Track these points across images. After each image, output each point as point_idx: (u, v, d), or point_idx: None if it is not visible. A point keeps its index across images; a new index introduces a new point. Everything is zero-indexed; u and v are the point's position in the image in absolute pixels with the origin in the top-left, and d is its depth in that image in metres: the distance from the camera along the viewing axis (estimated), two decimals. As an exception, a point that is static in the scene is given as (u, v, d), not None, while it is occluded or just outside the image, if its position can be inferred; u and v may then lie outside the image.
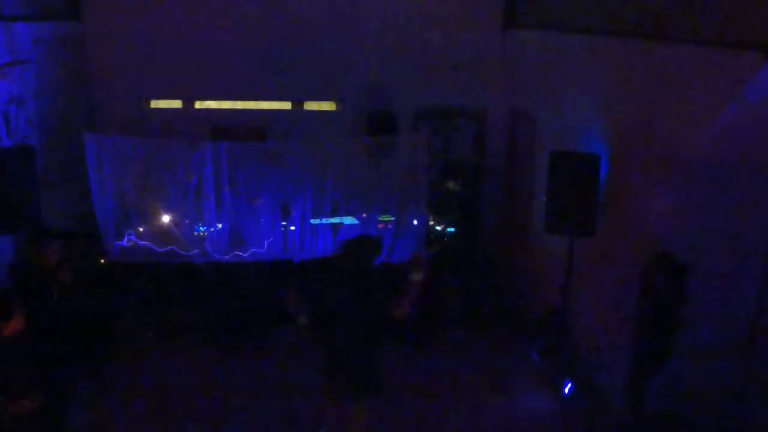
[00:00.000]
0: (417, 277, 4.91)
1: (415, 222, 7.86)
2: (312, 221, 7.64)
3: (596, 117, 6.57)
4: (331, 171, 7.55)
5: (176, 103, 9.07)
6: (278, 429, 5.94)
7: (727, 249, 5.16)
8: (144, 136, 7.74)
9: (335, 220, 7.71)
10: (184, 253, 7.52)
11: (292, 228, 7.69)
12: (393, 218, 7.83)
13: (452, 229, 8.40)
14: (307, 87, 9.03)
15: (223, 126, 8.80)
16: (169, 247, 7.51)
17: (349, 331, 5.36)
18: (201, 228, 7.60)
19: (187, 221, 7.62)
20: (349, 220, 7.83)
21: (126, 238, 7.49)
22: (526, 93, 8.62)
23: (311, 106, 9.31)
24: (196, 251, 7.55)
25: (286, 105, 9.25)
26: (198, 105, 9.10)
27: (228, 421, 5.99)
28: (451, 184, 8.32)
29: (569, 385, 6.34)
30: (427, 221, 8.04)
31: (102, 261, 7.39)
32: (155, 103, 9.04)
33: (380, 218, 7.84)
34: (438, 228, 8.39)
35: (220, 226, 7.57)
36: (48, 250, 5.22)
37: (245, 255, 7.63)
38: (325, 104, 9.32)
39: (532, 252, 8.23)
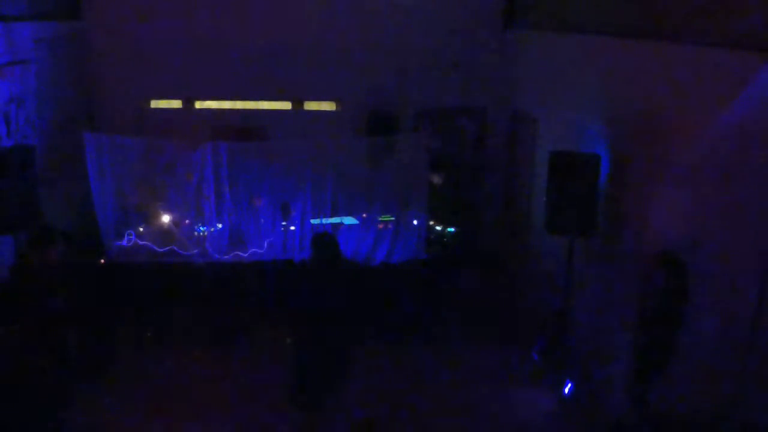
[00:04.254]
0: None
1: (415, 222, 7.86)
2: (312, 221, 7.64)
3: (596, 117, 6.57)
4: (331, 171, 7.55)
5: (176, 103, 9.07)
6: (278, 428, 5.94)
7: (727, 249, 5.15)
8: (144, 136, 7.74)
9: (335, 220, 7.71)
10: (184, 253, 7.52)
11: (292, 228, 7.69)
12: (393, 218, 7.83)
13: (452, 229, 8.39)
14: (307, 87, 9.03)
15: (223, 126, 8.80)
16: (169, 247, 7.50)
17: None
18: (201, 228, 7.60)
19: (187, 221, 7.62)
20: (349, 220, 7.83)
21: (126, 238, 7.49)
22: (526, 93, 8.62)
23: (311, 106, 9.31)
24: (196, 251, 7.55)
25: (286, 105, 9.25)
26: (198, 105, 9.10)
27: (227, 421, 5.99)
28: (435, 177, 8.28)
29: (569, 385, 6.34)
30: (427, 221, 8.04)
31: (102, 261, 7.39)
32: (155, 103, 9.04)
33: (380, 218, 7.84)
34: (438, 228, 8.38)
35: (220, 226, 7.57)
36: (48, 251, 5.22)
37: (245, 255, 7.63)
38: (325, 104, 9.32)
39: (532, 252, 8.23)
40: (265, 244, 7.66)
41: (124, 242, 7.50)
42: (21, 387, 4.61)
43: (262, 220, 7.64)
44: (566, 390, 6.34)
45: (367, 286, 7.19)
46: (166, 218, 7.64)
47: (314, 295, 5.72)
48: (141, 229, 7.57)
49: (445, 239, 8.36)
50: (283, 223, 7.72)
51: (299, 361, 5.94)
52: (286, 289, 7.08)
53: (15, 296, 4.87)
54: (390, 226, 7.83)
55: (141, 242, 7.52)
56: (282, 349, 7.15)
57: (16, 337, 4.58)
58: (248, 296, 7.61)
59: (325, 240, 6.06)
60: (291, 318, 6.58)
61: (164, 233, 7.60)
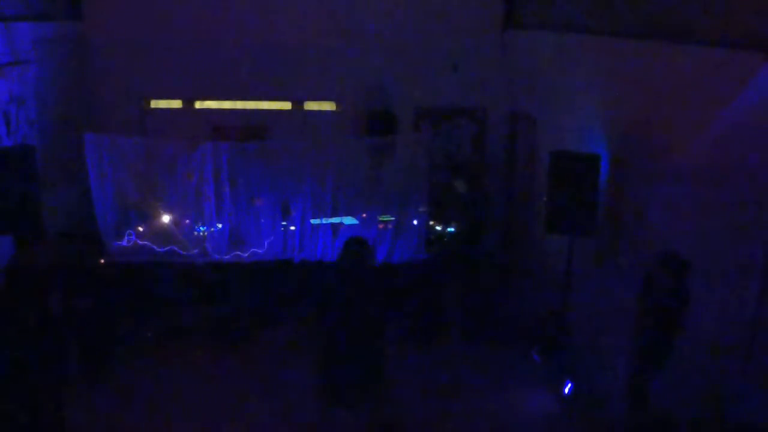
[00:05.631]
0: None
1: (415, 222, 7.86)
2: (312, 221, 7.64)
3: (596, 117, 6.57)
4: (331, 171, 7.54)
5: (176, 103, 9.08)
6: (278, 429, 5.94)
7: (727, 249, 5.15)
8: (144, 136, 7.74)
9: (335, 220, 7.71)
10: (184, 253, 7.52)
11: (292, 228, 7.69)
12: (393, 218, 7.83)
13: (452, 229, 8.40)
14: (307, 87, 9.04)
15: (223, 126, 8.80)
16: (169, 247, 7.51)
17: (350, 330, 5.39)
18: (201, 228, 7.60)
19: (187, 221, 7.62)
20: (349, 220, 7.83)
21: (126, 238, 7.50)
22: (526, 93, 8.61)
23: (311, 106, 9.31)
24: (196, 251, 7.55)
25: (286, 105, 9.25)
26: (198, 105, 9.11)
27: (228, 421, 5.99)
28: (458, 184, 8.30)
29: (569, 385, 6.33)
30: (427, 221, 8.05)
31: (102, 261, 7.39)
32: (155, 103, 9.05)
33: (380, 218, 7.84)
34: (438, 228, 8.38)
35: (220, 226, 7.57)
36: (38, 252, 5.21)
37: (245, 255, 7.63)
38: (325, 104, 9.33)
39: (532, 252, 8.22)
40: (265, 244, 7.67)
41: (124, 242, 7.50)
42: (19, 386, 4.61)
43: (262, 220, 7.64)
44: (566, 390, 6.34)
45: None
46: (166, 218, 7.64)
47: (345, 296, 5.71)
48: (141, 229, 7.57)
49: (445, 239, 8.36)
50: (283, 223, 7.72)
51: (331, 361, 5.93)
52: (314, 290, 7.10)
53: (10, 297, 4.85)
54: (390, 226, 7.83)
55: (141, 242, 7.52)
56: (281, 350, 7.17)
57: (13, 337, 4.57)
58: (252, 296, 7.63)
59: (356, 245, 6.04)
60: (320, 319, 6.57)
61: (164, 233, 7.60)
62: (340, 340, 5.83)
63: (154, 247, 7.49)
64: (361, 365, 5.79)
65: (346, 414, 5.81)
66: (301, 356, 6.82)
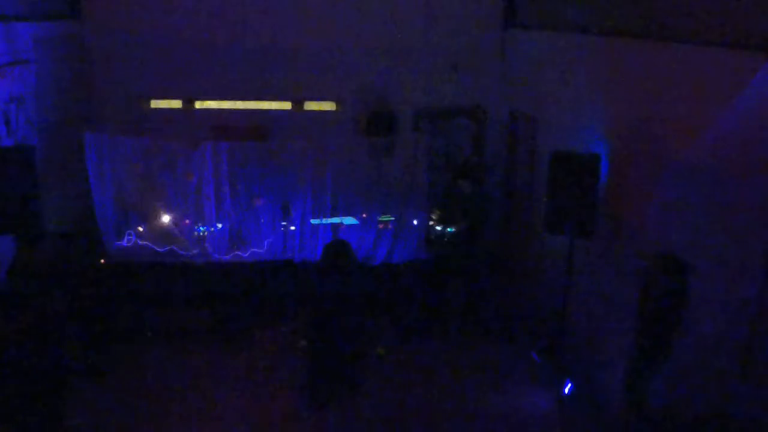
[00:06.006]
0: None
1: (415, 222, 7.86)
2: (312, 221, 7.64)
3: (596, 117, 6.57)
4: (331, 171, 7.54)
5: (176, 103, 9.07)
6: (278, 428, 5.94)
7: (727, 249, 5.15)
8: (144, 136, 7.74)
9: (335, 220, 7.71)
10: (184, 253, 7.52)
11: (292, 228, 7.69)
12: (393, 218, 7.83)
13: (452, 229, 8.40)
14: (307, 87, 9.03)
15: (223, 126, 8.79)
16: (169, 247, 7.51)
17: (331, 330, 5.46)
18: (201, 228, 7.60)
19: (187, 221, 7.62)
20: (349, 220, 7.83)
21: (126, 238, 7.50)
22: (526, 93, 8.62)
23: (311, 106, 9.30)
24: (196, 251, 7.55)
25: (286, 105, 9.25)
26: (198, 105, 9.10)
27: (228, 421, 5.99)
28: (461, 184, 8.31)
29: (569, 385, 6.34)
30: (427, 221, 8.05)
31: (102, 261, 7.39)
32: (155, 103, 9.03)
33: (380, 218, 7.85)
34: (438, 228, 8.38)
35: (220, 226, 7.57)
36: (38, 252, 5.22)
37: (245, 255, 7.63)
38: (325, 104, 9.32)
39: (532, 252, 8.22)
40: (265, 244, 7.67)
41: (124, 242, 7.51)
42: (19, 385, 4.61)
43: (262, 220, 7.64)
44: (566, 390, 6.34)
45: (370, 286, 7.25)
46: (166, 218, 7.64)
47: (325, 297, 5.77)
48: (141, 229, 7.57)
49: (445, 239, 8.35)
50: (283, 223, 7.72)
51: (312, 361, 5.99)
52: (296, 291, 7.17)
53: (13, 295, 4.86)
54: (390, 226, 7.84)
55: (141, 242, 7.53)
56: (282, 349, 7.17)
57: (14, 337, 4.58)
58: (252, 296, 7.64)
59: (337, 248, 6.12)
60: (301, 318, 6.64)
61: (164, 233, 7.61)
62: (320, 340, 5.90)
63: (154, 247, 7.50)
64: (338, 365, 5.86)
65: (323, 413, 5.87)
66: (300, 356, 6.83)
